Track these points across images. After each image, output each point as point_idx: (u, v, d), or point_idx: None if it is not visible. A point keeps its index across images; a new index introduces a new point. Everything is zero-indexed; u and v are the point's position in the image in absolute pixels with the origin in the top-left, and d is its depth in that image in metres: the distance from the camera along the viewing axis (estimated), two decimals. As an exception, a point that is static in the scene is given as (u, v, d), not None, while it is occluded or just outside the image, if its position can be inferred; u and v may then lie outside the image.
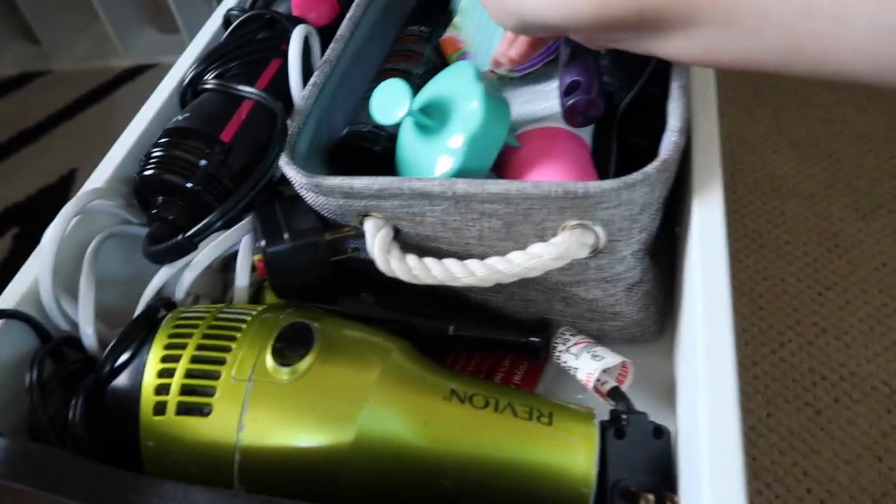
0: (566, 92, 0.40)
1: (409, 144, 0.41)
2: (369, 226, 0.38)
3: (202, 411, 0.31)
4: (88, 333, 0.37)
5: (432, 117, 0.39)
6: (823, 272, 0.84)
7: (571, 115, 0.40)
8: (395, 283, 0.38)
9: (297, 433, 0.30)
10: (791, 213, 0.95)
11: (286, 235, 0.39)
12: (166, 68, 0.52)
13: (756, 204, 1.07)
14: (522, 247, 0.36)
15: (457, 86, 0.39)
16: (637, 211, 0.34)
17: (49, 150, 1.62)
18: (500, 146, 0.38)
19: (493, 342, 0.41)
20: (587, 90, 0.39)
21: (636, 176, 0.32)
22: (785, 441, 0.67)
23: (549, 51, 0.45)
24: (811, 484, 0.66)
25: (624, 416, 0.33)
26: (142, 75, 1.83)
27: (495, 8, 0.33)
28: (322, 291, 0.41)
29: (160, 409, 0.31)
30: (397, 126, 0.41)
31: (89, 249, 0.40)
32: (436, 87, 0.41)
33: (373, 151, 0.44)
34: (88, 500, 0.26)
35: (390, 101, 0.38)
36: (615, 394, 0.36)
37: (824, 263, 0.85)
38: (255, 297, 0.43)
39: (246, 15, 0.51)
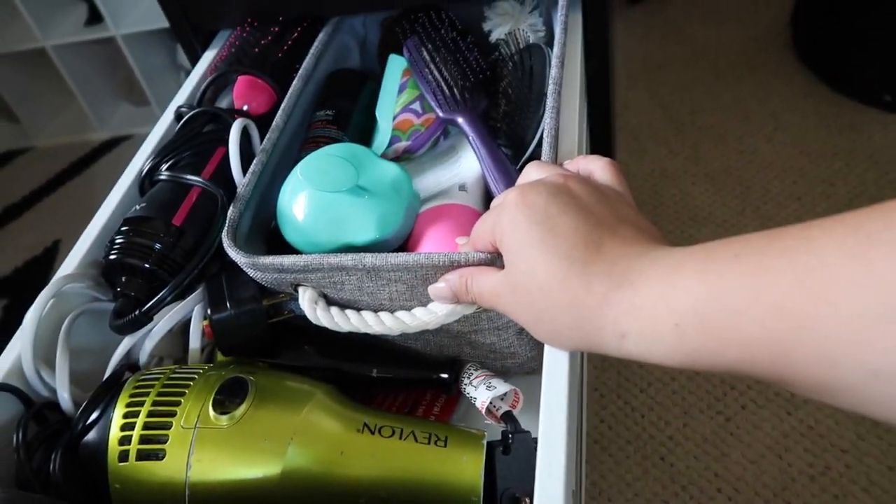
0: None
1: (341, 209, 0.46)
2: (301, 291, 0.46)
3: (157, 456, 0.38)
4: (65, 398, 0.44)
5: (367, 188, 0.46)
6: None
7: None
8: (331, 336, 0.45)
9: (236, 469, 0.37)
10: (705, 239, 1.03)
11: (228, 304, 0.46)
12: (141, 138, 0.59)
13: (675, 233, 1.16)
14: (425, 304, 0.44)
15: (378, 163, 0.47)
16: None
17: (33, 224, 1.68)
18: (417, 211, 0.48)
19: (410, 380, 0.48)
20: None
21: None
22: (699, 447, 0.74)
23: (434, 133, 0.53)
24: (721, 484, 0.73)
25: (510, 436, 0.40)
26: (118, 146, 1.91)
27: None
28: (263, 348, 0.48)
29: (124, 456, 0.38)
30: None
31: (63, 327, 0.46)
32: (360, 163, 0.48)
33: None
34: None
35: (334, 173, 0.45)
36: (506, 417, 0.43)
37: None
38: (210, 355, 0.51)
39: (193, 112, 0.59)
